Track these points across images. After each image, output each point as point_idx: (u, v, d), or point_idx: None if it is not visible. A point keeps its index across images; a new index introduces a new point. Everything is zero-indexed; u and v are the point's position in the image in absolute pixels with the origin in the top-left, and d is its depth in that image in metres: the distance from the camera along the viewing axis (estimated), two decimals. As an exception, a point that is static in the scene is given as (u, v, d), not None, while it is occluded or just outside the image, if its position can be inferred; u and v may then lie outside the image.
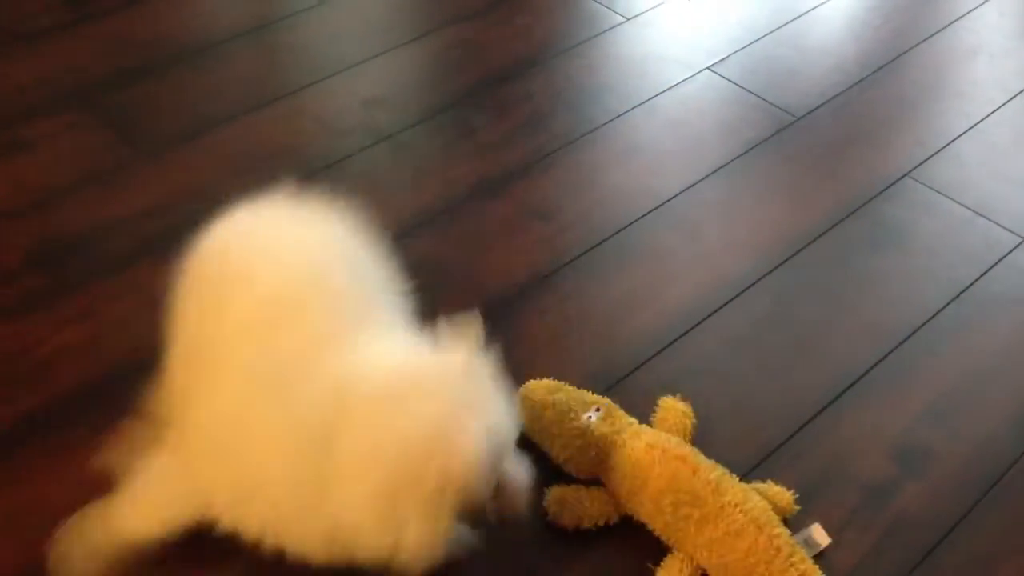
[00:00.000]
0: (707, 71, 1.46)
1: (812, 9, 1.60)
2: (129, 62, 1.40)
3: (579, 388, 0.95)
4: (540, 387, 0.94)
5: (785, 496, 0.90)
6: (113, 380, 1.00)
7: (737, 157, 1.31)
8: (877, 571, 0.89)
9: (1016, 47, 1.55)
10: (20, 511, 0.89)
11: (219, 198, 1.21)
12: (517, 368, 1.01)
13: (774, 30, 1.55)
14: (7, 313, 1.06)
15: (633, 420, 0.93)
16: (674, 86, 1.43)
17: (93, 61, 1.40)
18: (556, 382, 0.95)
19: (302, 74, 1.41)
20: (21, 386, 0.99)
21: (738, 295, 1.13)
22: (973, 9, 1.61)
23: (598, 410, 0.91)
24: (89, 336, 1.04)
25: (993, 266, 1.18)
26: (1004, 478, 0.97)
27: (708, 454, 0.90)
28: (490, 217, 1.20)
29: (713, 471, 0.86)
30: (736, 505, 0.84)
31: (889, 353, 1.08)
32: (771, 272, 1.16)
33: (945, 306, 1.13)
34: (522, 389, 0.95)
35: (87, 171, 1.23)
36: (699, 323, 1.09)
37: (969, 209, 1.26)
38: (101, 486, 0.90)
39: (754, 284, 1.14)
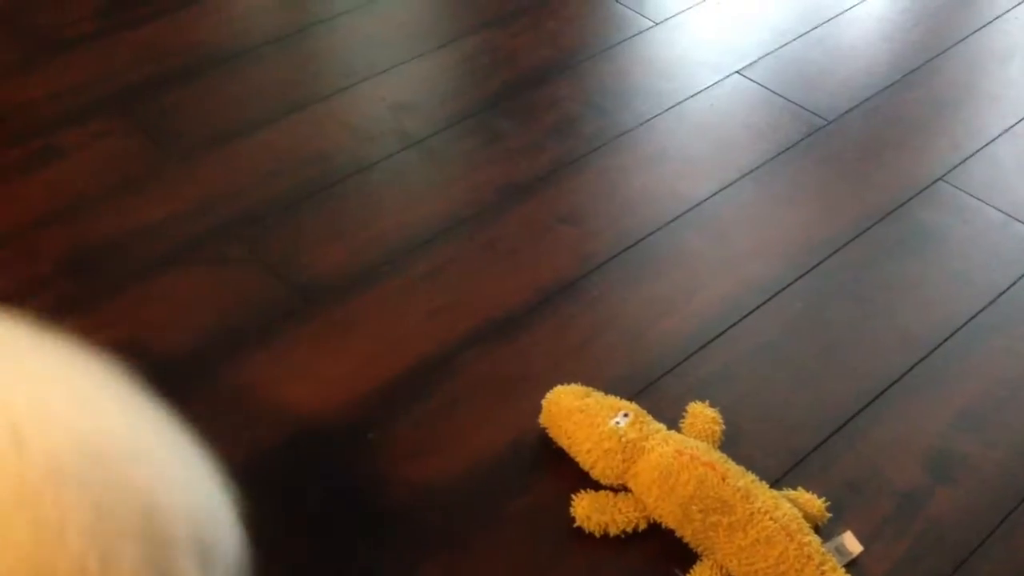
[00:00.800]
0: (736, 75, 1.45)
1: (842, 12, 1.58)
2: (161, 69, 1.42)
3: (607, 393, 0.95)
4: (567, 392, 0.94)
5: (816, 503, 0.89)
6: (146, 387, 1.01)
7: (767, 161, 1.31)
8: (910, 580, 0.88)
9: (1052, 48, 1.52)
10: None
11: (250, 203, 1.23)
12: (544, 373, 1.01)
13: (804, 33, 1.54)
14: (39, 319, 1.07)
15: (661, 426, 0.92)
16: (703, 90, 1.42)
17: (126, 68, 1.42)
18: (584, 387, 0.95)
19: (331, 80, 1.42)
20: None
21: (768, 300, 1.12)
22: (1008, 11, 1.59)
23: (626, 415, 0.91)
24: (122, 342, 1.05)
25: (1029, 271, 1.17)
26: (1041, 487, 0.95)
27: (737, 460, 0.89)
28: (518, 222, 1.21)
29: (742, 478, 0.85)
30: (766, 512, 0.83)
31: (922, 359, 1.06)
32: (802, 277, 1.15)
33: (979, 311, 1.12)
34: (549, 394, 0.95)
35: (120, 177, 1.25)
36: (729, 328, 1.08)
37: (1004, 213, 1.24)
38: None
39: (784, 289, 1.13)
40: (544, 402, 0.95)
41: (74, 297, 1.09)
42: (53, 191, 1.23)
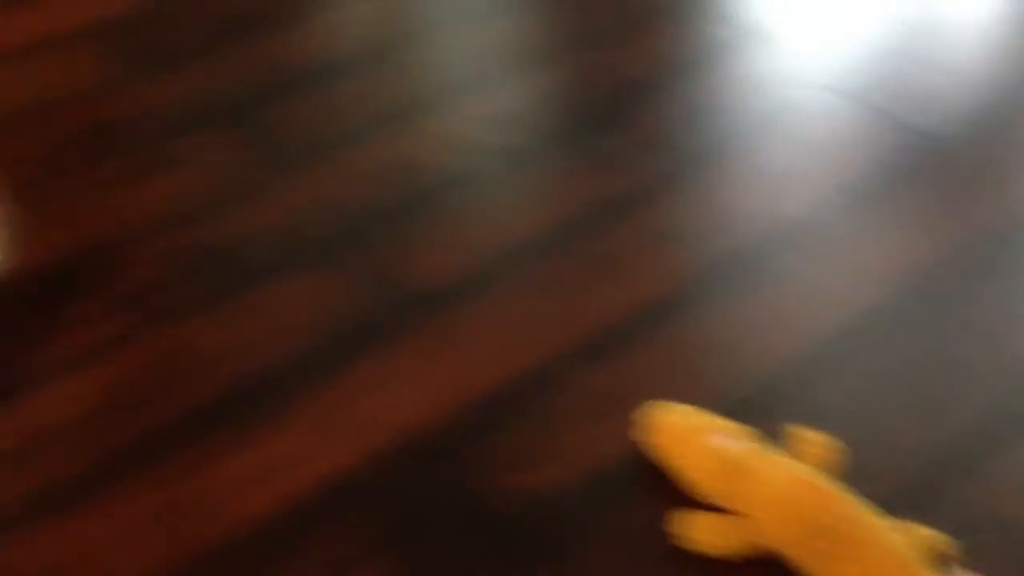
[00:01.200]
0: (831, 90, 1.43)
1: (945, 25, 1.55)
2: (269, 82, 1.46)
3: (709, 412, 0.95)
4: (671, 409, 0.94)
5: (933, 538, 0.87)
6: (260, 386, 1.04)
7: (866, 180, 1.29)
8: (1022, 613, 0.86)
9: None
10: (174, 507, 0.94)
11: (353, 213, 1.26)
12: (645, 389, 1.02)
13: (902, 47, 1.51)
14: (163, 318, 1.12)
15: (771, 448, 0.92)
16: (797, 105, 1.41)
17: (236, 81, 1.47)
18: (688, 406, 0.95)
19: (428, 92, 1.44)
20: (178, 387, 1.04)
21: (874, 324, 1.10)
22: (1121, 25, 1.54)
23: (732, 435, 0.91)
24: (232, 347, 1.09)
25: None
26: None
27: (848, 490, 0.88)
28: (615, 237, 1.21)
29: (855, 507, 0.84)
30: (880, 544, 0.82)
31: (1033, 385, 1.04)
32: (907, 301, 1.13)
33: (1093, 338, 1.08)
34: (652, 411, 0.95)
35: (229, 187, 1.29)
36: (834, 352, 1.07)
37: (1119, 236, 1.20)
38: (252, 483, 0.95)
39: (890, 313, 1.12)
40: (646, 418, 0.95)
41: (192, 301, 1.14)
42: (165, 200, 1.28)
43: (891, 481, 0.95)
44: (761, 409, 1.01)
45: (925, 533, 0.87)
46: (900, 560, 0.81)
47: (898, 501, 0.93)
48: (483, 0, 1.65)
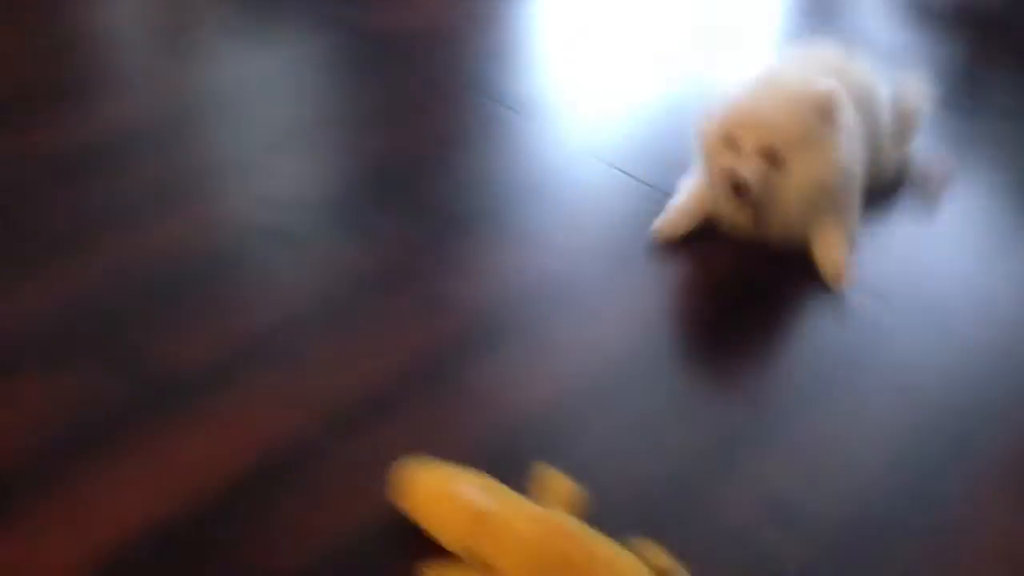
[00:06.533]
0: (594, 159, 1.52)
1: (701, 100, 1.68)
2: (35, 170, 1.42)
3: (462, 465, 0.96)
4: (426, 468, 0.95)
5: (661, 557, 0.90)
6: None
7: (623, 239, 1.36)
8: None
9: None
10: None
11: (111, 300, 1.21)
12: (402, 456, 1.01)
13: (665, 123, 1.63)
14: None
15: (515, 493, 0.93)
16: (560, 173, 1.48)
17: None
18: (443, 464, 0.96)
19: (200, 174, 1.44)
20: None
21: (619, 368, 1.15)
22: None
23: (483, 489, 0.92)
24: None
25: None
26: (885, 538, 0.99)
27: (592, 526, 0.90)
28: (376, 310, 1.22)
29: (592, 541, 0.87)
30: (612, 571, 0.84)
31: (761, 413, 1.11)
32: (652, 353, 1.20)
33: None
34: (408, 472, 0.95)
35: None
36: (586, 401, 1.11)
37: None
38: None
39: (635, 362, 1.17)
40: (401, 479, 0.95)
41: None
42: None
43: (634, 512, 0.98)
44: (516, 459, 1.02)
45: (655, 552, 0.90)
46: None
47: (642, 528, 0.95)
48: (257, 84, 1.67)
